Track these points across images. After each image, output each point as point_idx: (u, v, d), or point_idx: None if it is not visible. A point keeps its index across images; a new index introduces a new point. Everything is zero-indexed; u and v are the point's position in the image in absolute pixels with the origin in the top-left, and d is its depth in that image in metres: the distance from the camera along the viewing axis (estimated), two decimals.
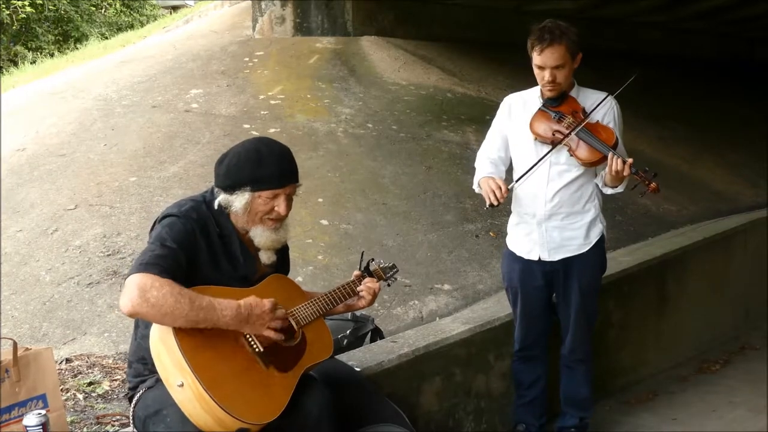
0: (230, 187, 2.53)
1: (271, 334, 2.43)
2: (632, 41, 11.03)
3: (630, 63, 9.60)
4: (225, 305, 2.34)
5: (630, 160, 3.20)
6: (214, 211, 2.55)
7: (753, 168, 8.33)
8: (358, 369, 3.12)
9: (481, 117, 6.51)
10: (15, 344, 2.57)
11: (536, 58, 3.31)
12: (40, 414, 2.38)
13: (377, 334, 3.69)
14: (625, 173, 3.21)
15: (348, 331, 3.55)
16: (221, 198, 2.54)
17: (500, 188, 3.28)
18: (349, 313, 3.59)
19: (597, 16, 10.08)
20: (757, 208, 6.94)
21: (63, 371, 3.35)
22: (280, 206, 2.57)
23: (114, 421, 2.93)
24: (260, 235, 2.58)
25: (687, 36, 11.90)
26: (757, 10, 9.93)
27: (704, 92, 10.68)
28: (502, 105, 3.61)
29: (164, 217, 2.50)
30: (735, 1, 9.66)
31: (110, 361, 3.54)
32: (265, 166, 2.53)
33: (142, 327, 2.51)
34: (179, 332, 2.28)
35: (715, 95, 10.74)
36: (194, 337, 2.30)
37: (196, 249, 2.46)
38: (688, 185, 7.33)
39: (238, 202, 2.52)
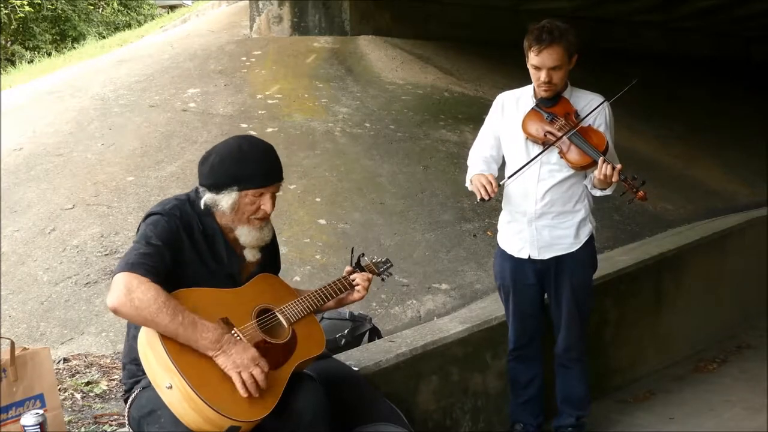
0: (215, 186, 2.52)
1: (236, 380, 2.30)
2: (629, 41, 11.05)
3: (627, 62, 9.64)
4: (208, 328, 2.31)
5: (619, 167, 3.22)
6: (199, 210, 2.55)
7: (750, 167, 8.34)
8: (355, 368, 3.12)
9: (479, 116, 6.48)
10: (12, 344, 2.57)
11: (533, 59, 3.31)
12: (37, 414, 2.38)
13: (375, 334, 3.70)
14: (614, 179, 3.22)
15: (346, 331, 3.55)
16: (207, 197, 2.54)
17: (491, 183, 3.29)
18: (347, 313, 3.61)
19: (593, 16, 10.09)
20: (754, 207, 6.95)
21: (60, 371, 3.35)
22: (266, 205, 2.56)
23: (112, 420, 2.93)
24: (246, 235, 2.57)
25: (684, 35, 11.92)
26: (753, 9, 9.94)
27: (701, 91, 10.70)
28: (495, 103, 3.62)
29: (148, 215, 2.51)
30: (729, 0, 9.68)
31: (108, 361, 3.54)
32: (250, 164, 2.53)
33: (132, 328, 2.51)
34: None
35: (711, 94, 10.75)
36: None
37: (180, 246, 2.46)
38: (685, 184, 7.34)
39: (225, 201, 2.52)
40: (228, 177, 2.51)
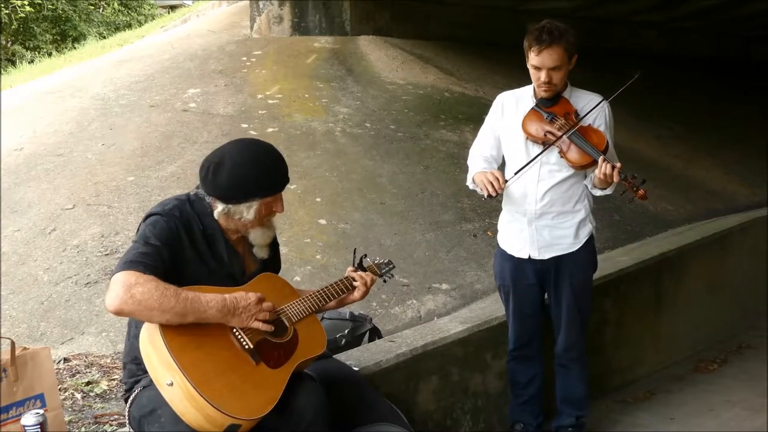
0: (234, 198, 2.52)
1: (258, 325, 2.43)
2: (629, 41, 11.05)
3: (626, 63, 9.64)
4: (211, 298, 2.36)
5: (619, 165, 3.21)
6: (199, 210, 2.56)
7: (750, 167, 8.35)
8: (356, 368, 3.12)
9: (479, 116, 6.48)
10: (13, 343, 2.57)
11: (533, 59, 3.32)
12: (37, 413, 2.38)
13: (375, 334, 3.70)
14: (614, 178, 3.22)
15: (346, 331, 3.55)
16: (223, 208, 2.53)
17: (498, 180, 3.30)
18: (348, 313, 3.61)
19: (593, 16, 10.09)
20: (754, 207, 6.95)
21: (61, 371, 3.36)
22: (279, 206, 2.62)
23: (112, 420, 2.94)
24: (261, 236, 2.61)
25: (684, 35, 11.92)
26: (753, 9, 9.94)
27: (701, 92, 10.70)
28: (494, 103, 3.62)
29: (148, 216, 2.51)
30: (728, 0, 9.68)
31: (108, 361, 3.54)
32: (268, 174, 2.56)
33: (133, 327, 2.52)
34: (166, 331, 2.28)
35: (711, 95, 10.76)
36: (182, 336, 2.30)
37: (180, 246, 2.47)
38: (685, 184, 7.35)
39: (248, 213, 2.54)
40: (249, 188, 2.52)
